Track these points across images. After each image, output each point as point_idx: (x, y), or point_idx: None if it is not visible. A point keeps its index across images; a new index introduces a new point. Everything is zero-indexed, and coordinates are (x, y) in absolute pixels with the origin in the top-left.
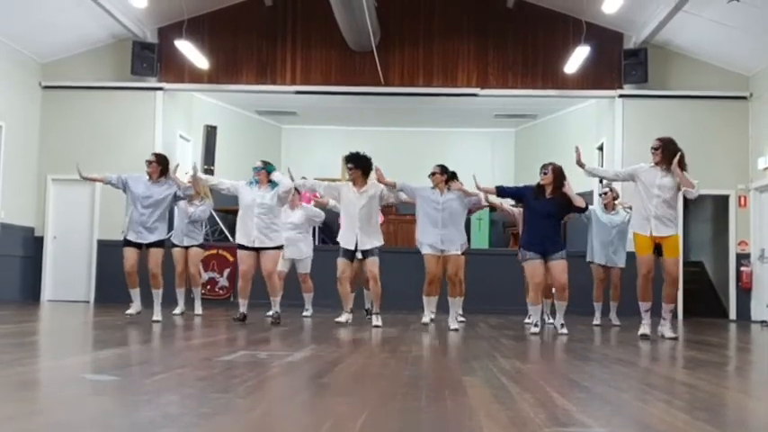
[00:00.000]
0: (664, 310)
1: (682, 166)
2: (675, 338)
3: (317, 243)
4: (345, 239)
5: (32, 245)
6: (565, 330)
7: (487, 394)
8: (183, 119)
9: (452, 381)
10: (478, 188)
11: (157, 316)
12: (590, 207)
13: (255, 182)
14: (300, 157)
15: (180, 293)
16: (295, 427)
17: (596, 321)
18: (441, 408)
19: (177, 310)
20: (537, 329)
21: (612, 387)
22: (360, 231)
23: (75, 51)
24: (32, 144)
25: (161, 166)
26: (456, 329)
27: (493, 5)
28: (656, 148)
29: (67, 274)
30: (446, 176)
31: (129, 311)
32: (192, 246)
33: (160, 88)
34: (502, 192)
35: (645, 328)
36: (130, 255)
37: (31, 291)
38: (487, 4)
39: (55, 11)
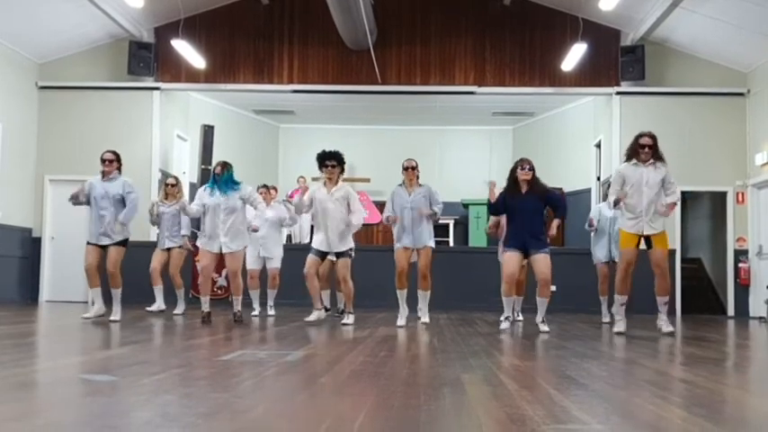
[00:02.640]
0: (659, 303)
1: (658, 158)
2: (672, 333)
3: None
4: (318, 241)
5: (30, 245)
6: (546, 328)
7: (486, 392)
8: (181, 118)
9: (451, 378)
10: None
11: (116, 316)
12: (595, 208)
13: (213, 183)
14: (298, 156)
15: (157, 291)
16: (294, 427)
17: (605, 319)
18: (439, 405)
19: (153, 307)
20: (507, 325)
21: (610, 384)
22: (331, 234)
23: (71, 51)
24: (30, 144)
25: (119, 163)
26: (426, 323)
27: (490, 3)
28: (650, 147)
29: (65, 274)
30: (417, 172)
31: (86, 315)
32: (174, 248)
33: (157, 88)
34: (496, 210)
35: (620, 326)
36: (90, 252)
37: (28, 291)
38: (484, 1)
39: (51, 11)
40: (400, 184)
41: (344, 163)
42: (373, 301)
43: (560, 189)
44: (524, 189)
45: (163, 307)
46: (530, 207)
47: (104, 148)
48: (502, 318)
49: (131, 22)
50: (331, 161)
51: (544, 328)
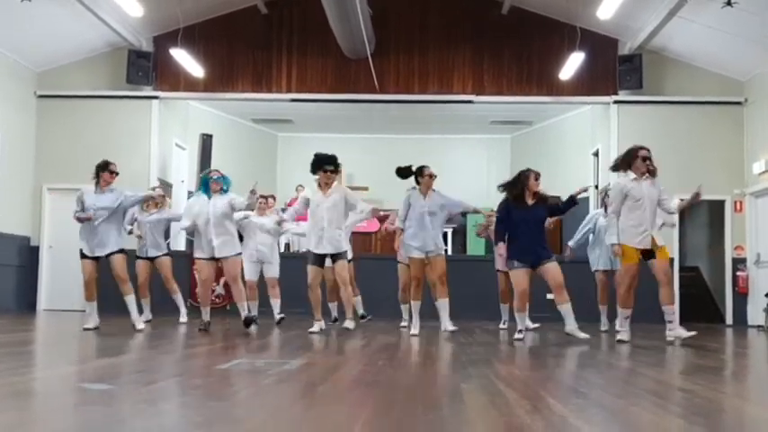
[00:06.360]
0: (667, 314)
1: (653, 173)
2: (694, 335)
3: None
4: (314, 243)
5: (28, 254)
6: (583, 335)
7: (484, 401)
8: (179, 127)
9: (449, 388)
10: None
11: (139, 325)
12: (592, 214)
13: (204, 191)
14: (296, 164)
15: (145, 303)
16: None
17: (603, 327)
18: (437, 415)
19: (143, 318)
20: (521, 336)
21: (609, 393)
22: (325, 234)
23: (70, 60)
24: (28, 153)
25: (117, 174)
26: (453, 330)
27: (488, 12)
28: (650, 159)
29: (63, 283)
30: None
31: (87, 326)
32: (159, 256)
33: (156, 97)
34: (502, 236)
35: (624, 335)
36: (86, 266)
37: (26, 300)
38: (482, 11)
39: (50, 20)
40: (413, 188)
41: (340, 168)
42: (371, 309)
43: (558, 198)
44: (530, 201)
45: (150, 317)
46: (537, 218)
47: (103, 157)
48: (516, 333)
49: (130, 31)
50: (329, 166)
51: (581, 335)
